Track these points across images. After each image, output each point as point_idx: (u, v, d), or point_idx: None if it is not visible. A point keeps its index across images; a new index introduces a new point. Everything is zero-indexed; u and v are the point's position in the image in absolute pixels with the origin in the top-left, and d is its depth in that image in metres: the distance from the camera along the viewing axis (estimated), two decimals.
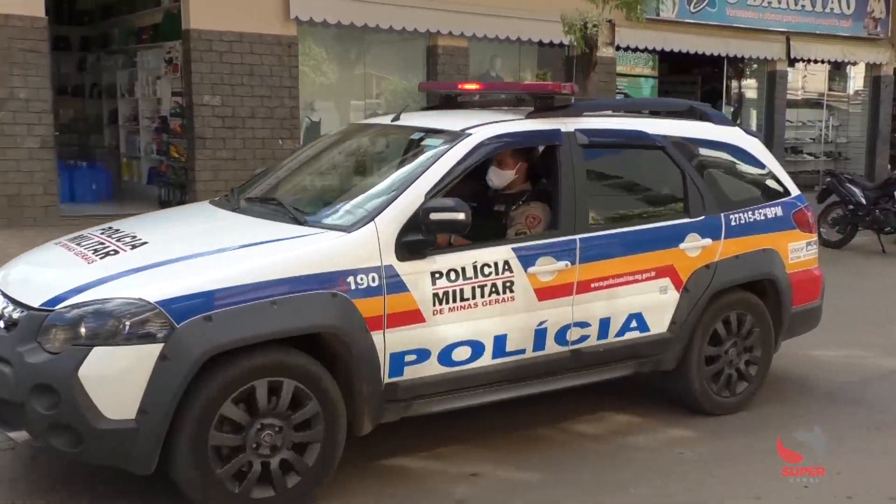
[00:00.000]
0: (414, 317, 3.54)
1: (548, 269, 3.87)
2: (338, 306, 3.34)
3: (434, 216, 3.48)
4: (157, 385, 2.97)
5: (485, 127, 4.03)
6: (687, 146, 4.53)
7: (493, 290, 3.73)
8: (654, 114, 4.92)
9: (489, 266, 3.72)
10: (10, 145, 8.59)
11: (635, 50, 13.02)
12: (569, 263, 3.93)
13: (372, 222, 3.53)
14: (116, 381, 2.99)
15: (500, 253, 3.78)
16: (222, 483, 3.11)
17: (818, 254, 5.00)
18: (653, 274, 4.21)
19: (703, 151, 4.62)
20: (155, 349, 2.98)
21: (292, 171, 4.64)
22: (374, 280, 3.43)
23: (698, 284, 4.33)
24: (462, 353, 3.72)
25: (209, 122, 9.55)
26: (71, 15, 12.84)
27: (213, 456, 3.09)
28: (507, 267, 3.76)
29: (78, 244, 3.74)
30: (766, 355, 4.67)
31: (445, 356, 3.67)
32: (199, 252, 3.44)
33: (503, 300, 3.76)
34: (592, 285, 4.03)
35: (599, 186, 4.45)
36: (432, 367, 3.64)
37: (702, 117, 4.81)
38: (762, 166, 4.85)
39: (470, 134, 3.93)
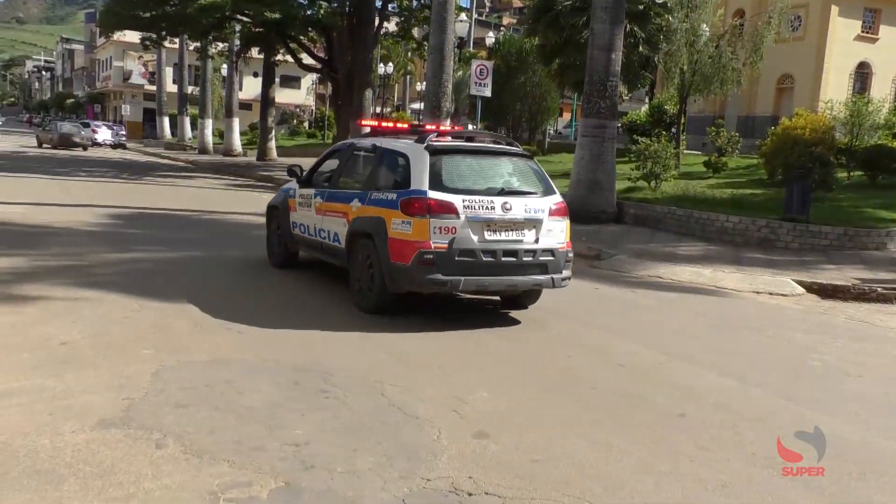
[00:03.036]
0: (294, 207, 9.29)
1: (317, 201, 8.71)
2: (284, 199, 9.67)
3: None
4: None
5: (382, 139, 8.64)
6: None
7: (307, 205, 8.95)
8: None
9: (306, 195, 9.02)
10: None
11: None
12: (321, 199, 8.66)
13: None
14: None
15: (310, 192, 8.95)
16: None
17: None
18: (340, 215, 8.14)
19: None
20: None
21: None
22: (291, 191, 9.45)
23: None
24: (302, 229, 9.09)
25: None
26: None
27: None
28: (312, 197, 8.86)
29: None
30: None
31: (298, 228, 9.17)
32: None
33: (309, 210, 8.86)
34: (325, 212, 8.50)
35: (357, 171, 8.62)
36: (297, 231, 9.17)
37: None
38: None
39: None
